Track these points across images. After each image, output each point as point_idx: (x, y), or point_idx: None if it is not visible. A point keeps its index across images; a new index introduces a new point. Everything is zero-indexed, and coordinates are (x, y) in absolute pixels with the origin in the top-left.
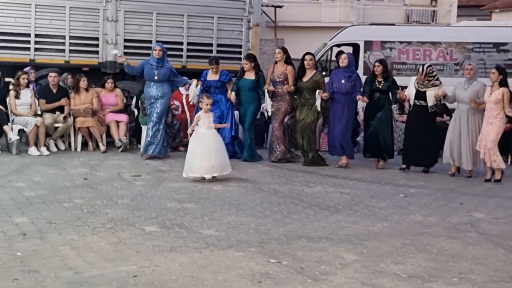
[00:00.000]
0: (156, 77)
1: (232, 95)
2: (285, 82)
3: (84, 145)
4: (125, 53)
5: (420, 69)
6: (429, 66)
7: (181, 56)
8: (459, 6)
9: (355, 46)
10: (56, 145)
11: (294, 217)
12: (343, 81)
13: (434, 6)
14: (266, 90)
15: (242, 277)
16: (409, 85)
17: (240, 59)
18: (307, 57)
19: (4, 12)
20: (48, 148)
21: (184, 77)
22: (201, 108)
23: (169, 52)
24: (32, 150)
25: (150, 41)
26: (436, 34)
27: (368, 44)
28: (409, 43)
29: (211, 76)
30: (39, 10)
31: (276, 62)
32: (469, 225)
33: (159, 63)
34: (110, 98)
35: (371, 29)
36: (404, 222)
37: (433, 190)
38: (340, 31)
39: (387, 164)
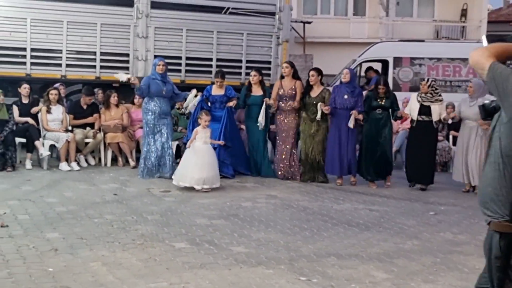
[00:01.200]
0: (164, 92)
1: (231, 103)
2: (295, 98)
3: (114, 160)
4: None
5: (425, 80)
6: (433, 80)
7: (210, 72)
8: (488, 22)
9: (384, 62)
10: (86, 160)
11: (324, 234)
12: (346, 96)
13: (464, 22)
14: (265, 103)
15: None
16: (410, 101)
17: (269, 75)
18: (311, 73)
19: (36, 29)
20: (78, 164)
21: (183, 92)
22: (199, 124)
23: (198, 69)
24: (63, 165)
25: (180, 57)
26: (466, 51)
27: (397, 61)
28: (438, 59)
29: (216, 91)
30: (71, 27)
31: (283, 77)
32: None
33: (163, 79)
34: (140, 114)
35: (400, 45)
36: (435, 240)
37: (463, 208)
38: (369, 47)
39: (397, 179)
